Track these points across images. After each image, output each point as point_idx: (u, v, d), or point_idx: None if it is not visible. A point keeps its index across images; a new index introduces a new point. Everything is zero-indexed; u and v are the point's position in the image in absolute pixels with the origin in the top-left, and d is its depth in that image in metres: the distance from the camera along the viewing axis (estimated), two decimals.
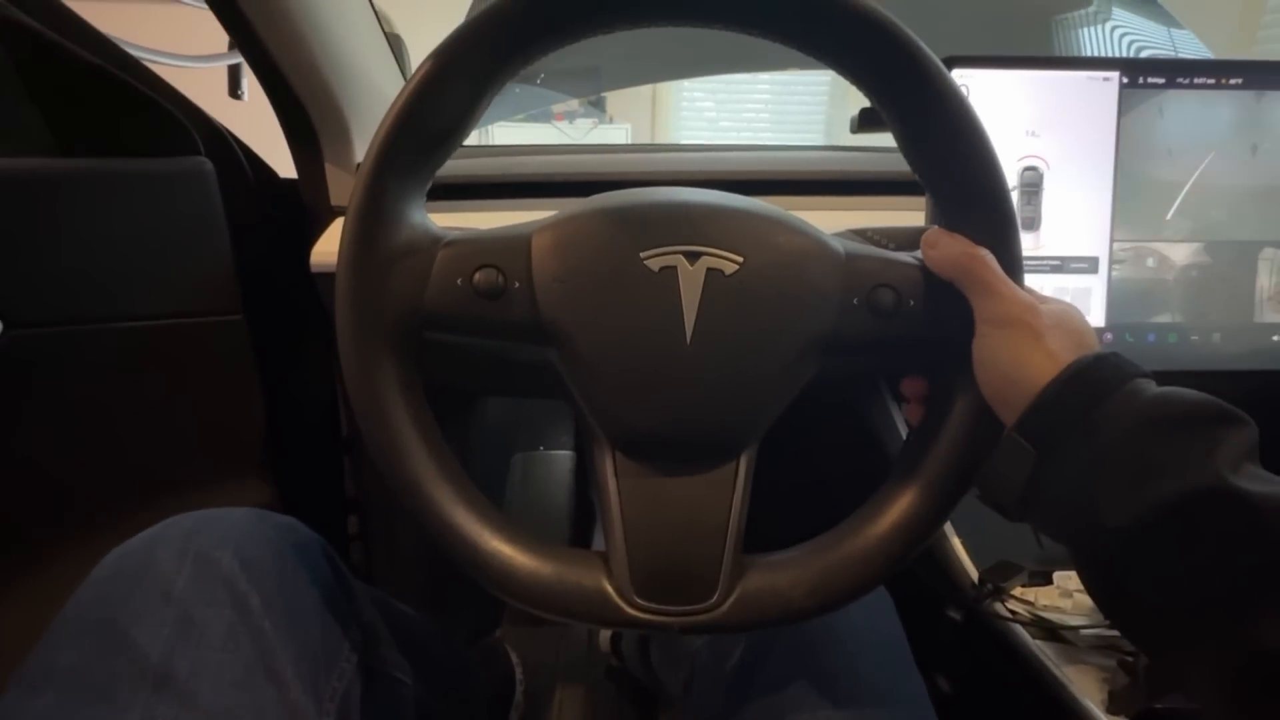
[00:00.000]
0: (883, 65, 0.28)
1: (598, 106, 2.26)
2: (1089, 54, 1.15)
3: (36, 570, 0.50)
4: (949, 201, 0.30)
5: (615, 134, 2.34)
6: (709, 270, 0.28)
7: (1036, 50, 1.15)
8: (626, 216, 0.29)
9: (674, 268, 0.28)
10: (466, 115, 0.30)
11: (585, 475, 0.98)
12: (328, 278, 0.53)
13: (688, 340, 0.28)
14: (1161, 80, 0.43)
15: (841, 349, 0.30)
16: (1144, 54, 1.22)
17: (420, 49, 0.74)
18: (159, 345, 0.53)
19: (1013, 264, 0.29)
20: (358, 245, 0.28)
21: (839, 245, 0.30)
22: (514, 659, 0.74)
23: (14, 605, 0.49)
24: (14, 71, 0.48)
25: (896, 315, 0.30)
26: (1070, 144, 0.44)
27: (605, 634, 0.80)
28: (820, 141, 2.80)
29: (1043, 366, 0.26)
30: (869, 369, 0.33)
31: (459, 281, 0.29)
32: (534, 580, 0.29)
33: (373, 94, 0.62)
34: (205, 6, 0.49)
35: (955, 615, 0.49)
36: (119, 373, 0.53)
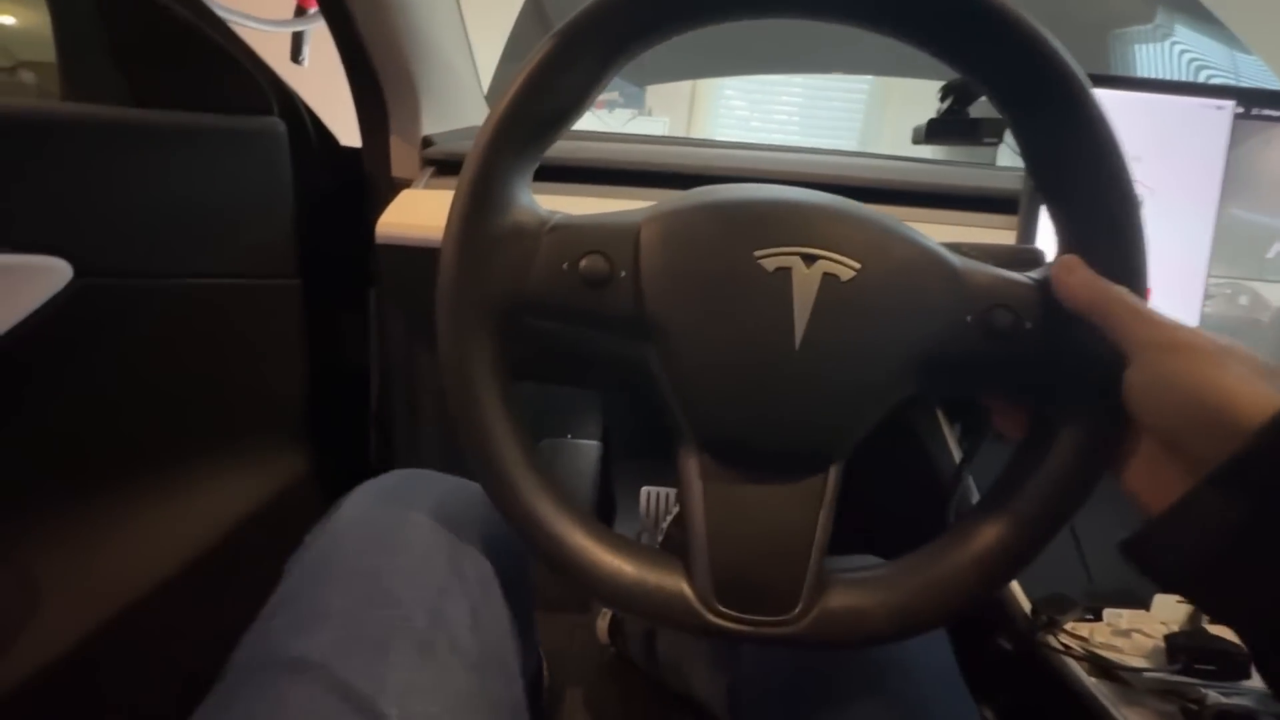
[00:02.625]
0: (1026, 79, 0.27)
1: (636, 98, 2.25)
2: (1146, 70, 1.12)
3: (87, 514, 0.51)
4: (1077, 226, 0.29)
5: (653, 126, 2.33)
6: (825, 275, 0.27)
7: (1092, 64, 1.13)
8: (740, 213, 0.28)
9: (789, 269, 0.27)
10: (582, 97, 0.29)
11: (610, 466, 0.98)
12: (393, 250, 0.53)
13: (796, 345, 0.27)
14: (1278, 113, 0.42)
15: (948, 366, 0.29)
16: (1203, 75, 1.18)
17: (475, 33, 0.72)
18: (219, 303, 0.53)
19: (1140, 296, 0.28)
20: (466, 223, 0.28)
21: (955, 260, 0.29)
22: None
23: (64, 546, 0.49)
24: (103, 19, 0.47)
25: (1011, 338, 0.29)
26: (1175, 171, 0.42)
27: (603, 623, 0.79)
28: (853, 146, 2.78)
29: (1234, 390, 0.22)
30: (971, 390, 0.32)
31: (564, 266, 0.28)
32: (616, 579, 0.29)
33: (445, 71, 0.61)
34: None
35: (1006, 645, 0.48)
36: (179, 327, 0.52)
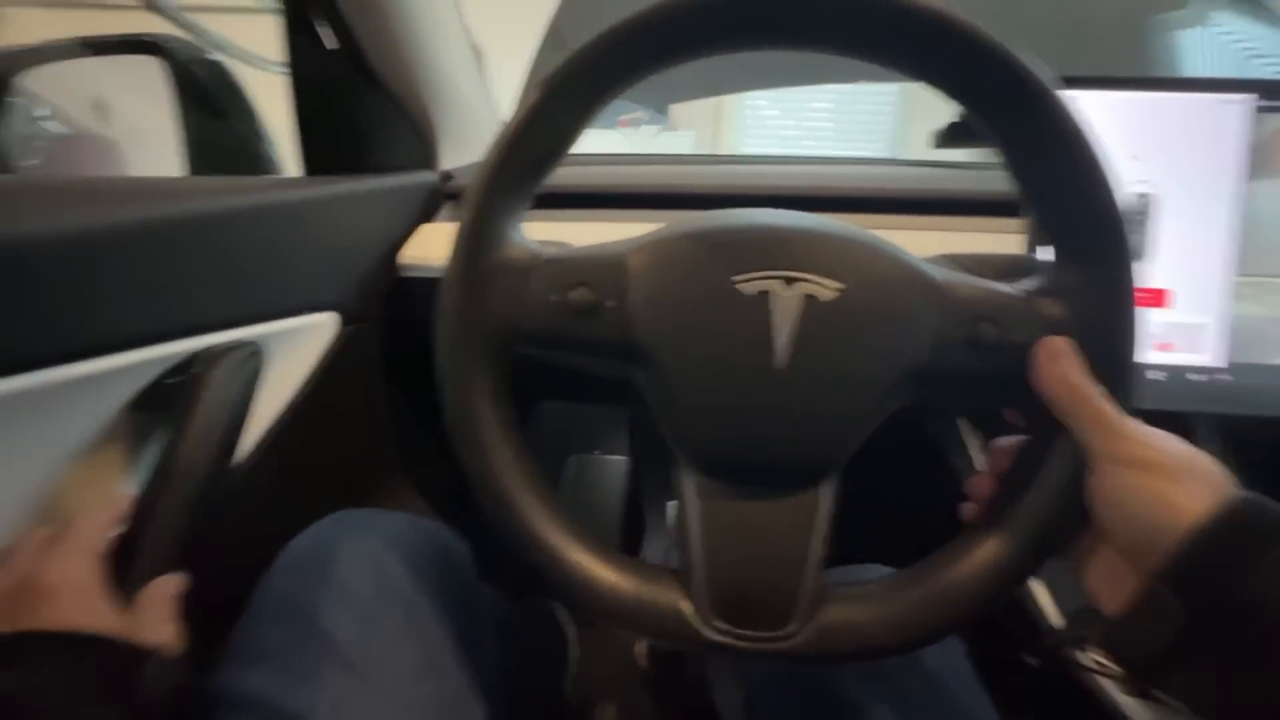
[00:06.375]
0: (985, 89, 0.27)
1: (662, 113, 2.28)
2: (1189, 58, 1.07)
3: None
4: (1062, 236, 0.29)
5: (679, 141, 2.35)
6: (806, 296, 0.28)
7: (1133, 53, 1.08)
8: (720, 239, 0.29)
9: (768, 292, 0.28)
10: (568, 139, 0.30)
11: (639, 481, 0.99)
12: (415, 282, 0.56)
13: (778, 366, 0.28)
14: None
15: (936, 381, 0.29)
16: (1253, 62, 1.12)
17: (498, 62, 0.76)
18: (411, 333, 0.58)
19: (1125, 298, 0.28)
20: (462, 262, 0.29)
21: (938, 274, 0.30)
22: (564, 620, 0.76)
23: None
24: (335, 99, 0.55)
25: (997, 351, 0.29)
26: (1186, 170, 0.41)
27: (641, 646, 0.80)
28: (885, 151, 2.73)
29: (1185, 508, 0.24)
30: (961, 402, 0.32)
31: (554, 299, 0.30)
32: (614, 596, 0.29)
33: (460, 106, 0.64)
34: None
35: (1031, 661, 0.46)
36: (395, 358, 0.59)
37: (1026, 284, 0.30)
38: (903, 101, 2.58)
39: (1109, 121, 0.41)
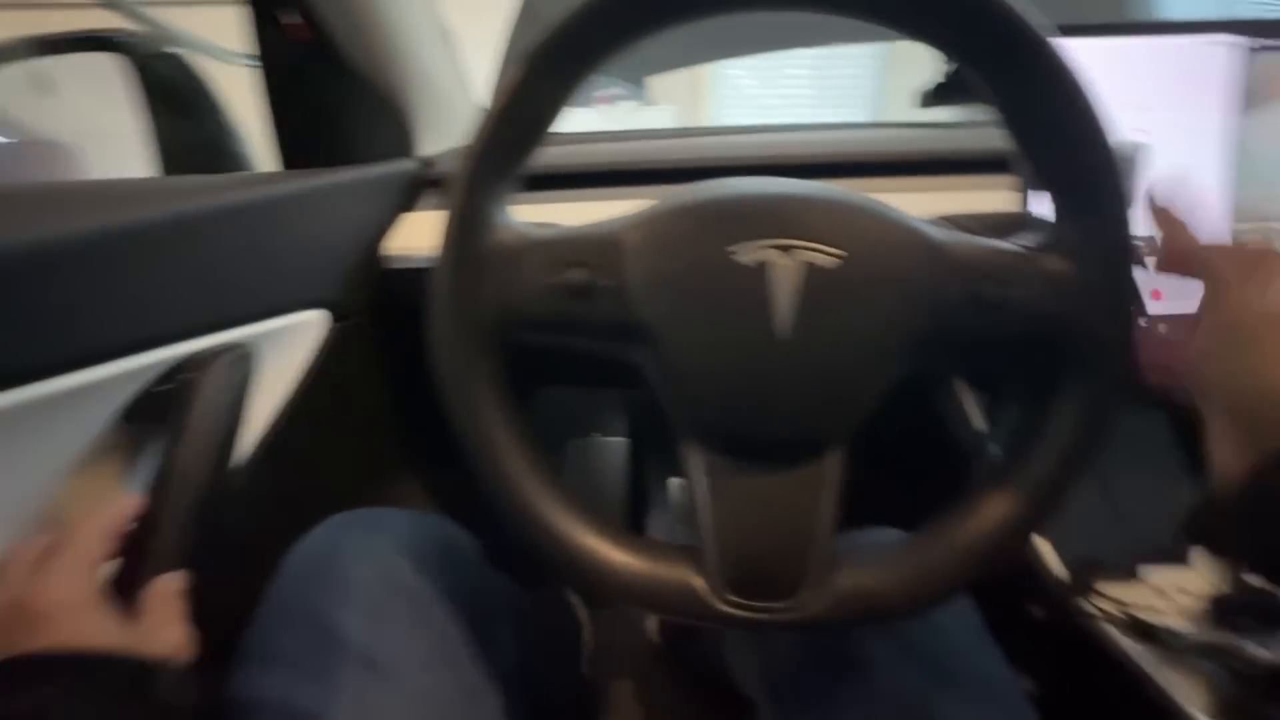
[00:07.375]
0: (975, 38, 0.27)
1: (639, 89, 2.23)
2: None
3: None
4: (1059, 190, 0.29)
5: (659, 116, 2.31)
6: (804, 264, 0.27)
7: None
8: (714, 210, 0.29)
9: (765, 262, 0.27)
10: (551, 115, 0.29)
11: (640, 463, 0.99)
12: (402, 273, 0.55)
13: (779, 337, 0.28)
14: None
15: (940, 344, 0.29)
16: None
17: (471, 44, 0.74)
18: (400, 325, 0.57)
19: (1123, 255, 0.28)
20: (453, 250, 0.29)
21: (939, 235, 0.29)
22: (576, 604, 0.76)
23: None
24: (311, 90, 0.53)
25: (1002, 308, 0.28)
26: (1180, 116, 0.41)
27: (654, 622, 0.81)
28: (868, 115, 2.71)
29: None
30: (968, 364, 0.32)
31: (549, 281, 0.29)
32: (626, 575, 0.29)
33: (436, 89, 0.62)
34: None
35: (1037, 612, 0.47)
36: (382, 351, 0.58)
37: (1027, 240, 0.30)
38: (883, 63, 2.55)
39: (1108, 69, 0.40)
